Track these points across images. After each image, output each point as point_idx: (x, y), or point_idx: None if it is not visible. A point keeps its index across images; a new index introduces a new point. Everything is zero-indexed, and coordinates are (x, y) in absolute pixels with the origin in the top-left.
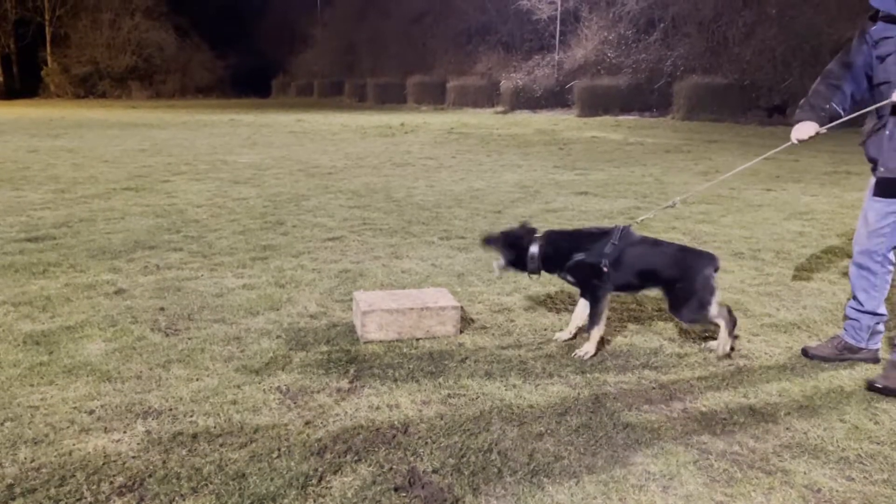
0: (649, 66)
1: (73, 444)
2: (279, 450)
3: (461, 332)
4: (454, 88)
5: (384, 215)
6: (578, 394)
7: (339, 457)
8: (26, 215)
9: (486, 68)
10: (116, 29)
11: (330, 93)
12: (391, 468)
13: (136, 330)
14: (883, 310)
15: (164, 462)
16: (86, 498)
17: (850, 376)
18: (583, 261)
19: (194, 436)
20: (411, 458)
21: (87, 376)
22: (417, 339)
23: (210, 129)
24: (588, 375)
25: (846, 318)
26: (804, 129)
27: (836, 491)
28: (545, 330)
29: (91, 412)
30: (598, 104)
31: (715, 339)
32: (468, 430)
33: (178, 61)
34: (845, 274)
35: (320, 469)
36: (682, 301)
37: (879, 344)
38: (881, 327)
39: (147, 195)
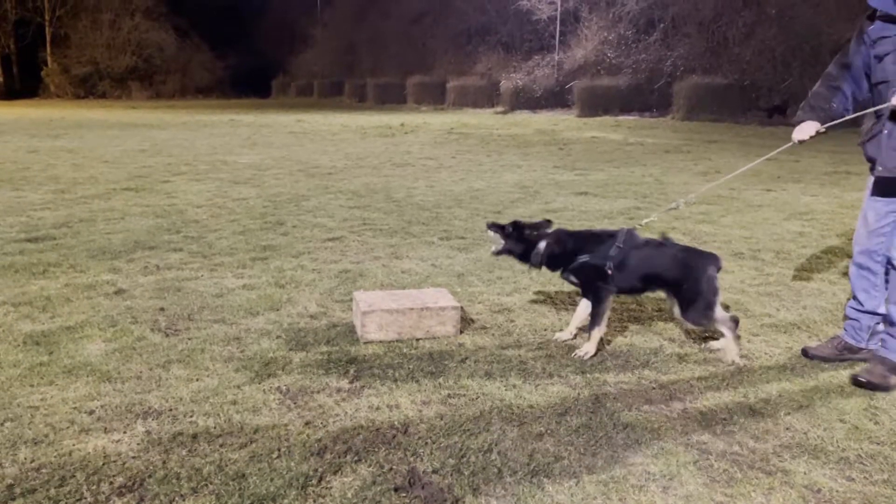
0: (649, 66)
1: (73, 445)
2: (279, 450)
3: (461, 332)
4: (454, 89)
5: (384, 215)
6: (578, 394)
7: (339, 457)
8: (26, 215)
9: (486, 68)
10: (116, 29)
11: (330, 93)
12: (391, 468)
13: (136, 330)
14: (883, 310)
15: (164, 462)
16: (86, 498)
17: (851, 376)
18: (587, 262)
19: (194, 436)
20: (411, 459)
21: (87, 376)
22: (417, 340)
23: (210, 130)
24: (588, 375)
25: (846, 318)
26: (805, 130)
27: (836, 491)
28: (545, 330)
29: (91, 412)
30: (598, 104)
31: (716, 339)
32: (468, 430)
33: (178, 62)
34: (845, 274)
35: (320, 469)
36: (688, 303)
37: (879, 344)
38: (881, 327)
39: (147, 195)
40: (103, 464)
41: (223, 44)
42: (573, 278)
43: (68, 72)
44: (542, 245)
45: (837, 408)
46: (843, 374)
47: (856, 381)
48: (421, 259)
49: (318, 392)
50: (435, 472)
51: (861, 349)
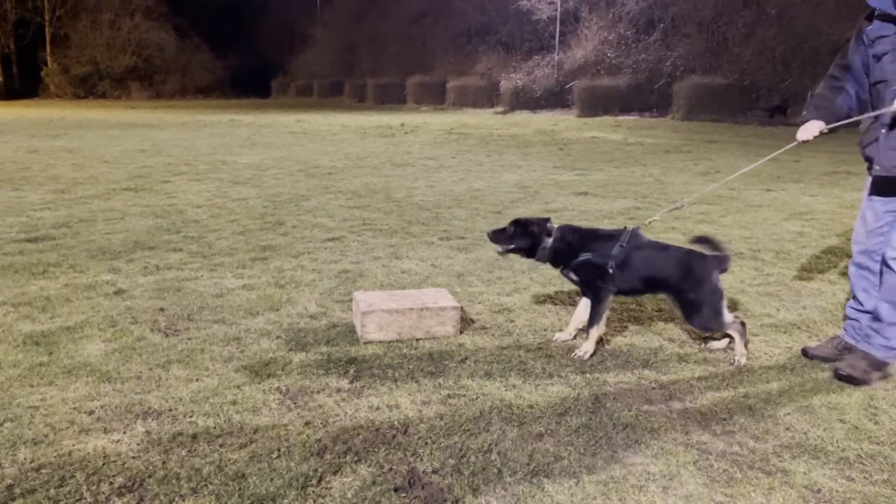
0: (649, 66)
1: (73, 445)
2: (279, 450)
3: (461, 332)
4: (454, 89)
5: (384, 216)
6: (578, 394)
7: (339, 457)
8: (26, 216)
9: (486, 68)
10: (116, 29)
11: (330, 93)
12: (391, 468)
13: (135, 330)
14: None
15: (163, 462)
16: (85, 498)
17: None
18: (589, 261)
19: (194, 436)
20: (411, 459)
21: (87, 377)
22: (417, 340)
23: (210, 130)
24: (588, 375)
25: (846, 318)
26: (808, 129)
27: (836, 491)
28: (545, 330)
29: (91, 413)
30: (598, 104)
31: (716, 339)
32: (468, 430)
33: (178, 62)
34: (845, 274)
35: (320, 469)
36: (694, 309)
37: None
38: (867, 320)
39: (147, 195)
40: (103, 464)
41: (223, 44)
42: (573, 276)
43: (68, 72)
44: (550, 240)
45: (837, 408)
46: None
47: (837, 375)
48: (421, 259)
49: (318, 392)
50: (435, 472)
51: None
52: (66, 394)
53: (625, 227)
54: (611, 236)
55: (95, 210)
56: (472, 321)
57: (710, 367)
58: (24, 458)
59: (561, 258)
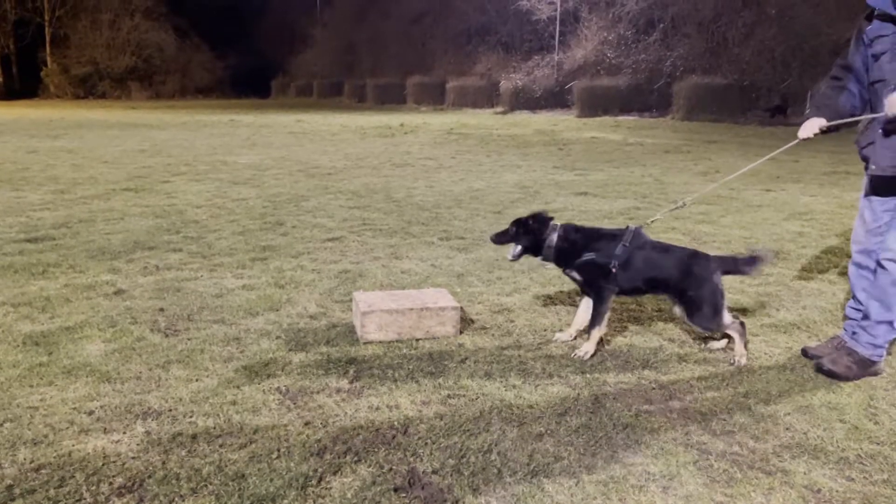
0: (649, 66)
1: (73, 445)
2: (279, 450)
3: (461, 332)
4: (454, 89)
5: (384, 216)
6: (578, 394)
7: (339, 457)
8: (26, 216)
9: (486, 69)
10: (116, 29)
11: (329, 93)
12: (391, 469)
13: (135, 330)
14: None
15: (163, 463)
16: (85, 499)
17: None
18: (593, 261)
19: (194, 436)
20: (411, 459)
21: (87, 377)
22: (417, 340)
23: (210, 130)
24: (588, 375)
25: (846, 318)
26: (808, 127)
27: (836, 491)
28: (545, 330)
29: (90, 413)
30: (598, 105)
31: (715, 339)
32: (468, 430)
33: (178, 62)
34: (845, 274)
35: (320, 470)
36: (694, 308)
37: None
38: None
39: (146, 196)
40: (103, 464)
41: (223, 44)
42: (576, 275)
43: (68, 72)
44: (554, 238)
45: (837, 408)
46: None
47: (819, 368)
48: (421, 259)
49: (318, 392)
50: (435, 472)
51: None
52: (65, 394)
53: (627, 227)
54: (613, 236)
55: (95, 210)
56: (472, 321)
57: (710, 367)
58: (24, 459)
59: (564, 258)
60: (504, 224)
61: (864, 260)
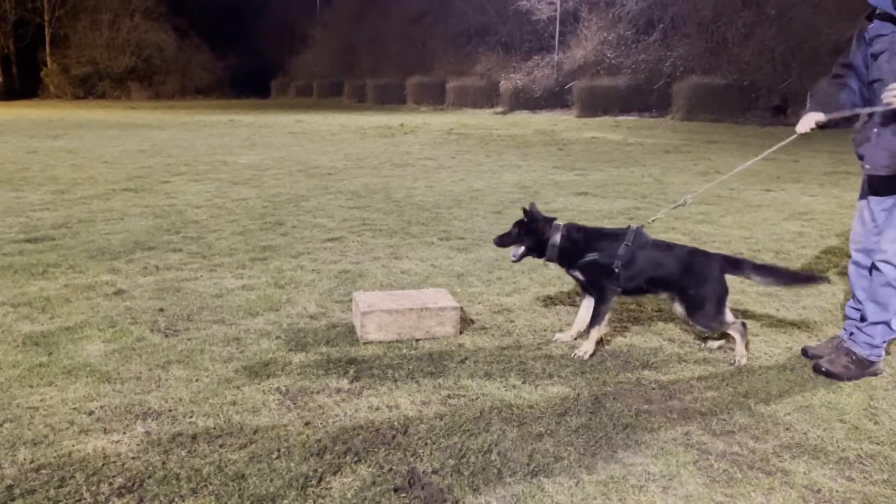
0: (649, 66)
1: (73, 445)
2: (279, 450)
3: (461, 332)
4: (453, 89)
5: (384, 216)
6: (578, 394)
7: (339, 457)
8: (25, 216)
9: (486, 69)
10: (116, 29)
11: (329, 93)
12: (391, 469)
13: (135, 331)
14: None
15: (163, 463)
16: (85, 499)
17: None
18: (596, 261)
19: (194, 437)
20: (411, 459)
21: (87, 377)
22: (417, 340)
23: (209, 130)
24: (588, 375)
25: (846, 318)
26: (805, 121)
27: (836, 491)
28: (545, 330)
29: (90, 413)
30: (598, 105)
31: (715, 338)
32: (468, 430)
33: (178, 62)
34: (845, 274)
35: (320, 470)
36: (696, 307)
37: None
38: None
39: (146, 196)
40: (103, 464)
41: (223, 44)
42: (579, 275)
43: (68, 72)
44: (558, 238)
45: (837, 408)
46: None
47: (817, 369)
48: (420, 259)
49: (318, 392)
50: (435, 472)
51: None
52: (65, 394)
53: (629, 226)
54: (616, 235)
55: (95, 210)
56: (472, 321)
57: (710, 367)
58: (24, 459)
59: (567, 257)
60: (504, 224)
61: (864, 259)
